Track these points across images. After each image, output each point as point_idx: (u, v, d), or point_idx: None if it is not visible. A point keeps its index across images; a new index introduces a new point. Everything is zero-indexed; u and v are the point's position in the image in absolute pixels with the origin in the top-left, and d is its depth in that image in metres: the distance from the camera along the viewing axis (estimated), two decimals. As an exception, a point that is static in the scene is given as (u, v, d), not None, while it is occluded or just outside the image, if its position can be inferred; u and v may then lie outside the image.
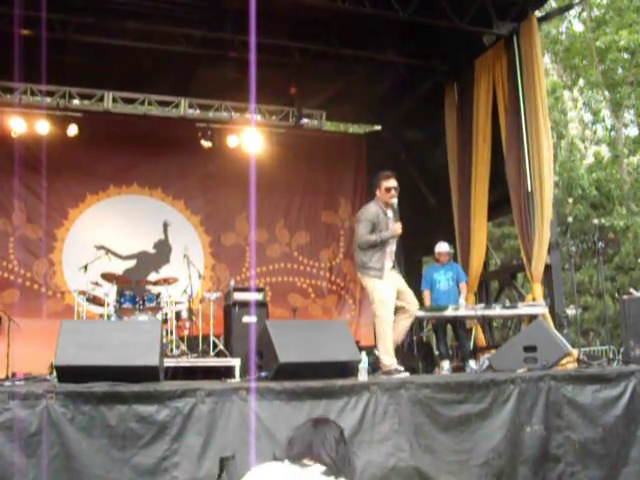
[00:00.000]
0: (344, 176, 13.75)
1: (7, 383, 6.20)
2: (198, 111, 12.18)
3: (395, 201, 7.12)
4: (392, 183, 7.18)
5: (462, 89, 11.35)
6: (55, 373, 6.19)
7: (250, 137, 11.99)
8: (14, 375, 8.69)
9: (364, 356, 6.11)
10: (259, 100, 12.02)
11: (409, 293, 7.07)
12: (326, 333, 6.35)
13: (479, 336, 10.47)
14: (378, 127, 14.53)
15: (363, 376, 6.01)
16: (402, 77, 11.92)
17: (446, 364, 9.13)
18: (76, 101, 11.81)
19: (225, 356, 9.39)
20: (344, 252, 13.47)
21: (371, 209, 7.14)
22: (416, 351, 10.13)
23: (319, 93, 12.52)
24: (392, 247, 7.15)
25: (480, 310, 9.38)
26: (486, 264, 11.60)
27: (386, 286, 6.85)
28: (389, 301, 6.83)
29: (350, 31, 10.54)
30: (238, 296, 9.84)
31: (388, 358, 6.78)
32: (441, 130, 11.64)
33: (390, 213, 7.14)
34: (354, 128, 17.18)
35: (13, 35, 9.14)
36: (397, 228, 7.03)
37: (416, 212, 11.18)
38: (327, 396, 5.58)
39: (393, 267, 7.10)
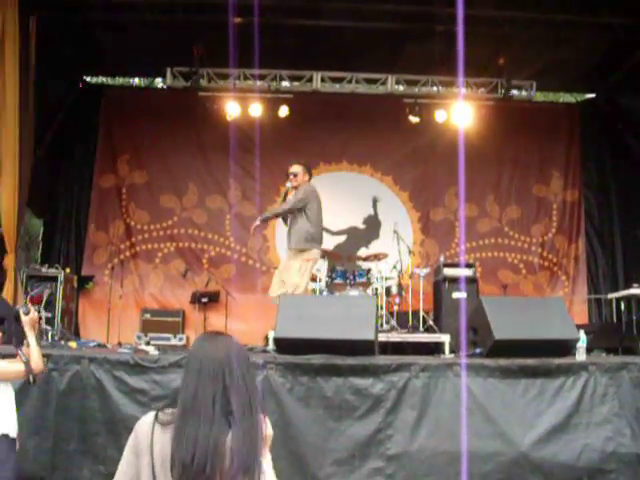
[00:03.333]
0: (556, 148, 13.19)
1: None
2: (405, 87, 12.16)
3: (287, 185, 7.88)
4: (291, 169, 7.90)
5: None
6: (272, 345, 6.47)
7: (458, 111, 11.80)
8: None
9: (582, 335, 5.87)
10: (466, 73, 11.75)
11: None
12: (542, 310, 6.18)
13: None
14: (592, 95, 13.78)
15: (581, 355, 5.79)
16: (619, 39, 11.18)
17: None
18: (286, 83, 12.17)
19: (434, 332, 9.39)
20: (557, 227, 12.96)
21: None
22: (636, 331, 9.61)
23: (528, 63, 12.03)
24: (289, 228, 7.78)
25: None
26: None
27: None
28: None
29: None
30: (448, 272, 9.80)
31: None
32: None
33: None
34: (566, 97, 16.40)
35: (226, 24, 9.58)
36: None
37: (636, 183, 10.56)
38: (543, 375, 5.45)
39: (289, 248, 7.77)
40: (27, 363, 4.42)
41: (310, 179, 8.01)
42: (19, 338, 4.60)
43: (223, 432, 2.41)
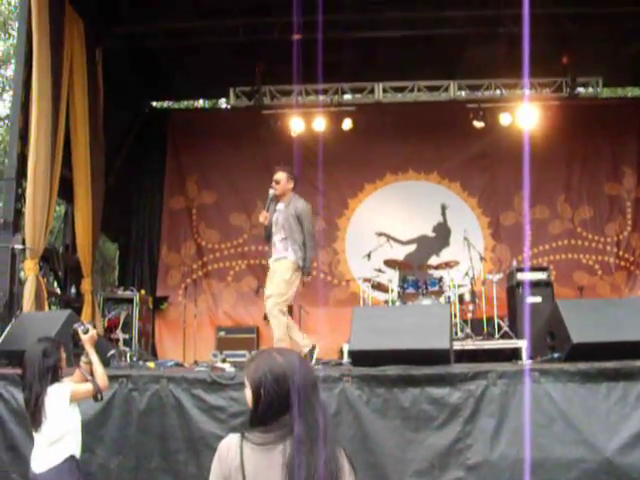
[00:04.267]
0: (627, 144, 12.85)
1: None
2: (468, 92, 12.07)
3: (270, 192, 7.59)
4: (275, 176, 7.61)
5: None
6: (347, 357, 6.46)
7: (523, 113, 11.64)
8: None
9: (669, 335, 5.68)
10: (530, 74, 11.63)
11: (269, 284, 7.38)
12: (621, 311, 6.02)
13: None
14: (662, 87, 13.43)
15: (667, 357, 5.59)
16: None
17: None
18: (348, 96, 12.21)
19: (510, 338, 9.23)
20: (632, 225, 12.62)
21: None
22: None
23: (593, 59, 11.82)
24: (276, 237, 7.43)
25: None
26: None
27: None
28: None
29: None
30: (521, 276, 9.63)
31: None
32: None
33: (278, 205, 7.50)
34: (634, 91, 16.00)
35: (286, 42, 9.67)
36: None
37: None
38: (625, 378, 5.29)
39: (277, 259, 7.39)
40: (94, 381, 4.53)
41: (295, 186, 7.75)
42: (76, 357, 4.73)
43: (321, 455, 2.38)
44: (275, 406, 2.42)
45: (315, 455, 2.36)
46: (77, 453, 4.45)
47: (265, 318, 11.48)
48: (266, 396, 2.43)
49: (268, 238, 7.62)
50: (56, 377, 4.44)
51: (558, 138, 12.04)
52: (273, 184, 7.60)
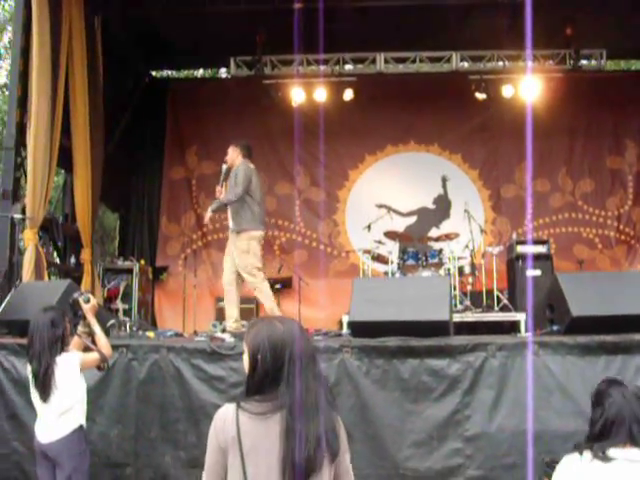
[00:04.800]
0: (630, 117, 12.76)
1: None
2: (470, 63, 11.97)
3: (223, 167, 7.69)
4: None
5: None
6: (346, 328, 6.47)
7: (526, 85, 11.55)
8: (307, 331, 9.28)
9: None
10: (533, 45, 11.51)
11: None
12: (620, 285, 6.01)
13: None
14: (666, 61, 13.32)
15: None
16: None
17: None
18: (349, 66, 12.12)
19: (510, 310, 9.24)
20: (633, 199, 12.59)
21: None
22: None
23: (597, 30, 11.70)
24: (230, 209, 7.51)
25: None
26: None
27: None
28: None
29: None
30: (521, 249, 9.61)
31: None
32: None
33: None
34: (638, 64, 15.87)
35: (287, 11, 9.59)
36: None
37: None
38: (624, 351, 5.32)
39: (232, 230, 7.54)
40: (99, 350, 4.54)
41: (246, 157, 7.71)
42: (74, 326, 4.73)
43: (321, 423, 2.39)
44: (271, 374, 2.41)
45: (314, 424, 2.36)
46: (84, 423, 4.47)
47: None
48: (263, 363, 2.43)
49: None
50: (63, 347, 4.44)
51: (560, 111, 11.96)
52: (225, 158, 7.69)
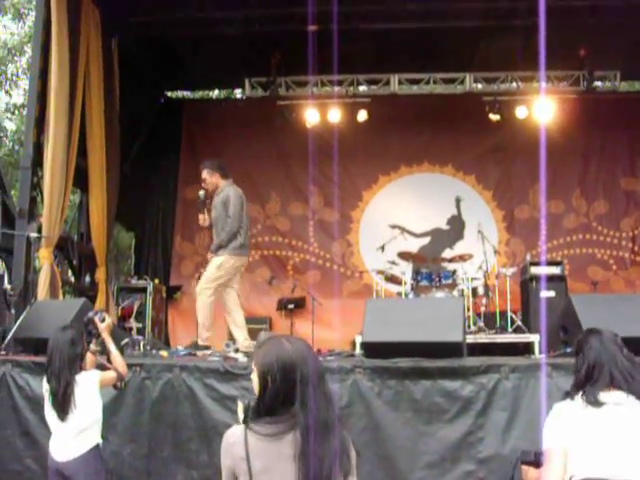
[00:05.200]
0: (645, 138, 12.77)
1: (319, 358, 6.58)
2: (484, 85, 12.01)
3: (200, 193, 7.60)
4: (202, 174, 7.60)
5: None
6: (359, 349, 6.46)
7: (540, 106, 11.57)
8: (319, 351, 9.27)
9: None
10: (546, 67, 11.53)
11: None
12: (634, 307, 5.97)
13: None
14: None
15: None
16: None
17: None
18: (363, 87, 12.18)
19: (523, 332, 9.21)
20: (647, 220, 12.57)
21: None
22: None
23: (611, 52, 11.71)
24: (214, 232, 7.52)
25: None
26: None
27: None
28: None
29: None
30: (535, 270, 9.60)
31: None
32: None
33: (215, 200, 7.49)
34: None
35: (302, 33, 9.66)
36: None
37: None
38: (639, 373, 5.25)
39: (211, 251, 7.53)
40: (116, 369, 4.56)
41: (225, 178, 7.67)
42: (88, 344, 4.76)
43: (335, 443, 2.39)
44: (282, 394, 2.41)
45: (328, 444, 2.36)
46: (101, 441, 4.49)
47: (279, 308, 11.57)
48: (273, 383, 2.42)
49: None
50: (81, 365, 4.46)
51: (574, 132, 11.98)
52: (202, 183, 7.62)
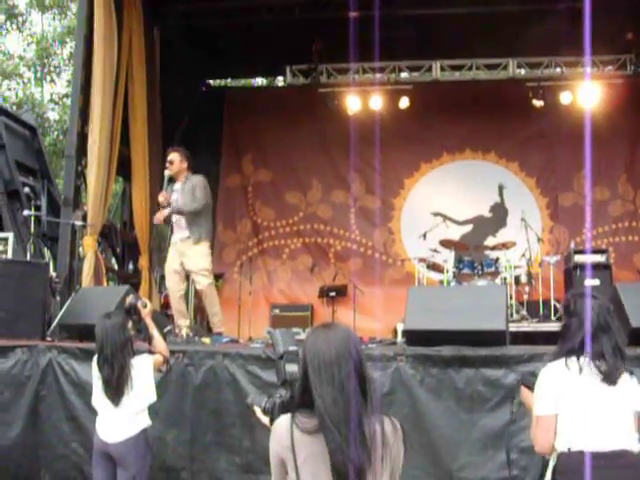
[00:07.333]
0: (693, 123, 12.46)
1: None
2: (527, 70, 11.85)
3: (165, 173, 7.59)
4: (168, 157, 7.62)
5: None
6: (401, 337, 6.43)
7: (584, 91, 11.37)
8: (361, 339, 9.28)
9: None
10: (592, 51, 11.35)
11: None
12: (683, 295, 5.86)
13: None
14: None
15: None
16: None
17: None
18: (405, 74, 12.11)
19: (568, 320, 9.08)
20: (694, 206, 12.27)
21: None
22: None
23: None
24: (175, 217, 7.50)
25: None
26: None
27: (170, 256, 7.61)
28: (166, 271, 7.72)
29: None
30: (579, 258, 9.47)
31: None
32: None
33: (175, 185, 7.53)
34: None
35: (343, 20, 9.63)
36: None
37: None
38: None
39: (183, 239, 7.52)
40: (160, 352, 4.62)
41: (190, 170, 7.69)
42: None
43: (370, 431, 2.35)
44: (320, 387, 2.37)
45: (361, 433, 2.33)
46: (150, 423, 4.55)
47: (320, 296, 11.59)
48: (314, 374, 2.39)
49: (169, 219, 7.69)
50: (133, 350, 4.52)
51: (620, 117, 11.73)
52: (167, 164, 7.63)
